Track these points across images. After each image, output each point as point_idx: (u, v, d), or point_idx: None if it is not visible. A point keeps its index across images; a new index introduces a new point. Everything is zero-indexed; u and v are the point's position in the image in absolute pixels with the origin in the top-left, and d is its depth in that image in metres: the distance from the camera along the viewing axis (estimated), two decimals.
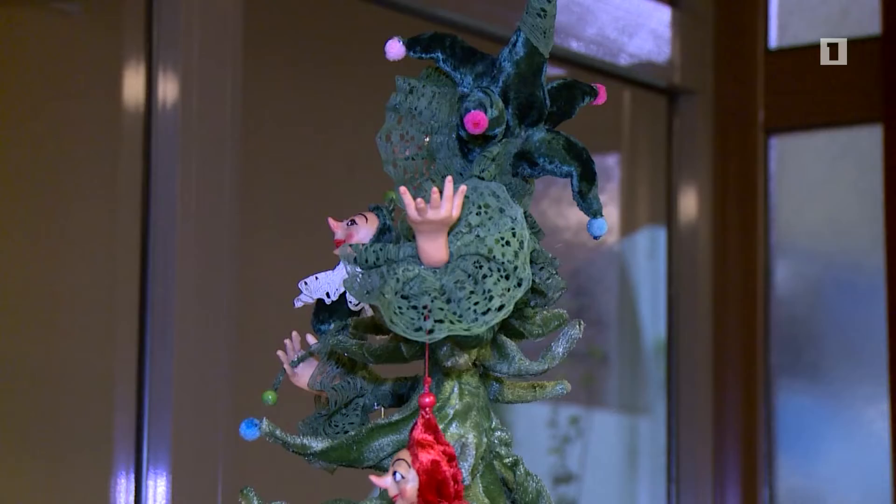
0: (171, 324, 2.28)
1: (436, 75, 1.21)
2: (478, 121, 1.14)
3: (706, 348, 3.20)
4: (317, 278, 1.28)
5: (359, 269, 1.15)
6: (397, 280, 1.10)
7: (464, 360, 1.18)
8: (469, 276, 1.10)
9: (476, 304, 1.09)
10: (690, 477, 3.17)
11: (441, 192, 1.11)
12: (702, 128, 3.23)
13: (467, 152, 1.18)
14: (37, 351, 2.24)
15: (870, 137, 3.08)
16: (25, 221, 2.24)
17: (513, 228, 1.12)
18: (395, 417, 1.22)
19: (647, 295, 3.29)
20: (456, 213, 1.10)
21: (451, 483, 1.12)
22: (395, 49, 1.18)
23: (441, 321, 1.09)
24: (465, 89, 1.19)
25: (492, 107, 1.16)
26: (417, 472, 1.12)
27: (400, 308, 1.10)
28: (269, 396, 1.28)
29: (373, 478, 1.12)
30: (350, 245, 1.14)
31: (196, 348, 2.29)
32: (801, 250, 3.28)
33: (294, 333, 1.28)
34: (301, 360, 1.28)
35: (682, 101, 3.24)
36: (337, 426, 1.29)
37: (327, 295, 1.26)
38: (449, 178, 1.09)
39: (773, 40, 3.28)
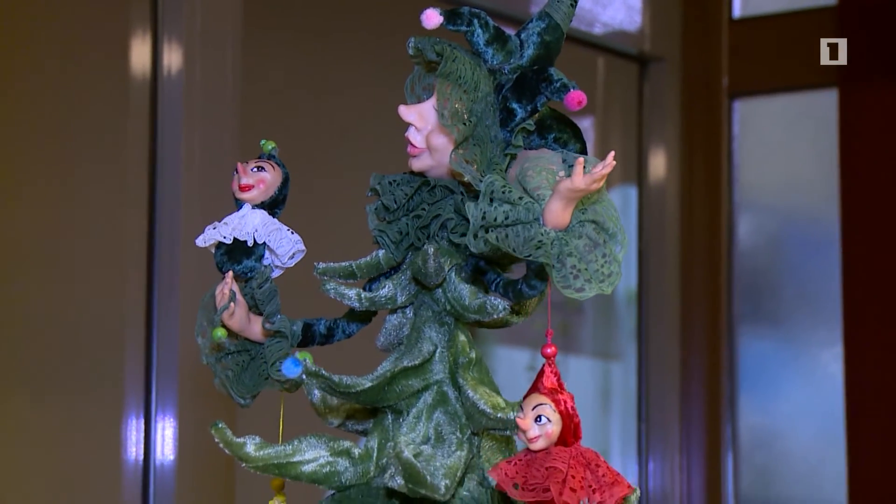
0: (176, 275, 2.28)
1: (439, 46, 1.20)
2: (581, 99, 1.17)
3: (674, 298, 3.21)
4: (226, 223, 1.27)
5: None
6: (549, 240, 1.13)
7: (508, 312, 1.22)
8: (591, 240, 1.14)
9: (602, 266, 1.13)
10: (659, 417, 3.19)
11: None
12: (670, 92, 3.23)
13: (510, 122, 1.20)
14: (53, 302, 2.24)
15: (826, 101, 3.09)
16: (43, 180, 2.24)
17: (607, 198, 1.16)
18: (417, 362, 1.22)
19: None
20: None
21: (580, 426, 1.15)
22: (434, 19, 1.18)
23: (589, 280, 1.13)
24: (494, 64, 1.21)
25: None
26: (562, 415, 1.14)
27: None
28: (219, 332, 1.25)
29: (519, 420, 1.14)
30: (477, 205, 1.15)
31: (201, 297, 2.29)
32: (763, 206, 3.29)
33: (230, 273, 1.26)
34: (232, 298, 1.25)
35: (652, 68, 3.23)
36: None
37: (250, 236, 1.26)
38: (612, 152, 1.12)
39: (737, 10, 3.28)
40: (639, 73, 3.24)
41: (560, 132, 1.22)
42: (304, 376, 1.21)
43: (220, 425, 1.24)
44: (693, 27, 3.25)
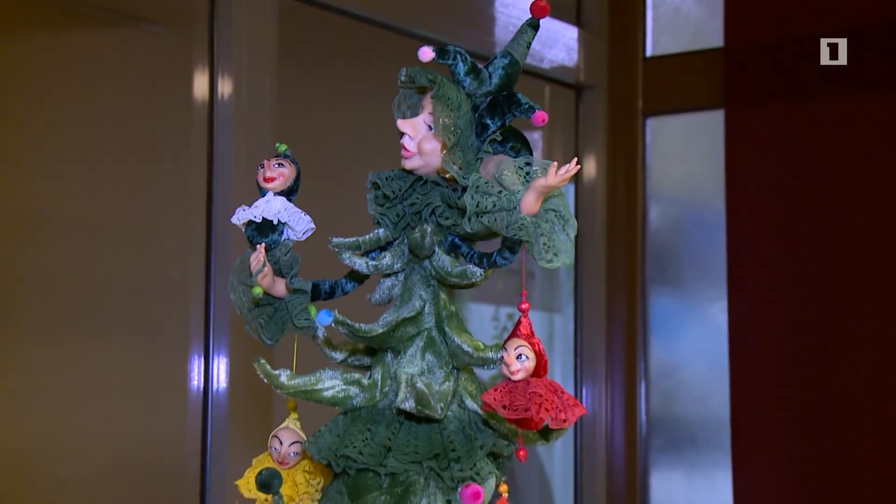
0: (228, 247, 2.28)
1: (432, 74, 1.20)
2: (545, 118, 1.17)
3: (601, 266, 3.22)
4: (257, 206, 1.25)
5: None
6: (527, 223, 1.12)
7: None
8: (553, 224, 1.13)
9: (562, 244, 1.13)
10: (590, 355, 3.20)
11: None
12: (599, 113, 3.23)
13: (483, 133, 1.20)
14: (132, 265, 2.24)
15: (715, 119, 3.10)
16: (127, 179, 2.24)
17: (562, 193, 1.15)
18: (412, 313, 1.21)
19: None
20: None
21: (547, 362, 1.17)
22: (429, 55, 1.18)
23: (556, 255, 1.12)
24: (470, 89, 1.20)
25: None
26: (536, 354, 1.14)
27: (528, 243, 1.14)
28: (257, 290, 1.22)
29: (505, 357, 1.13)
30: (471, 196, 1.14)
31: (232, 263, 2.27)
32: (668, 198, 3.30)
33: (262, 244, 1.24)
34: (265, 264, 1.23)
35: (585, 94, 3.24)
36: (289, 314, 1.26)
37: (275, 216, 1.25)
38: (575, 158, 1.12)
39: (650, 50, 3.28)
40: (575, 98, 3.25)
41: (515, 142, 1.22)
42: (332, 324, 1.20)
43: (261, 361, 1.24)
44: (616, 63, 3.26)
